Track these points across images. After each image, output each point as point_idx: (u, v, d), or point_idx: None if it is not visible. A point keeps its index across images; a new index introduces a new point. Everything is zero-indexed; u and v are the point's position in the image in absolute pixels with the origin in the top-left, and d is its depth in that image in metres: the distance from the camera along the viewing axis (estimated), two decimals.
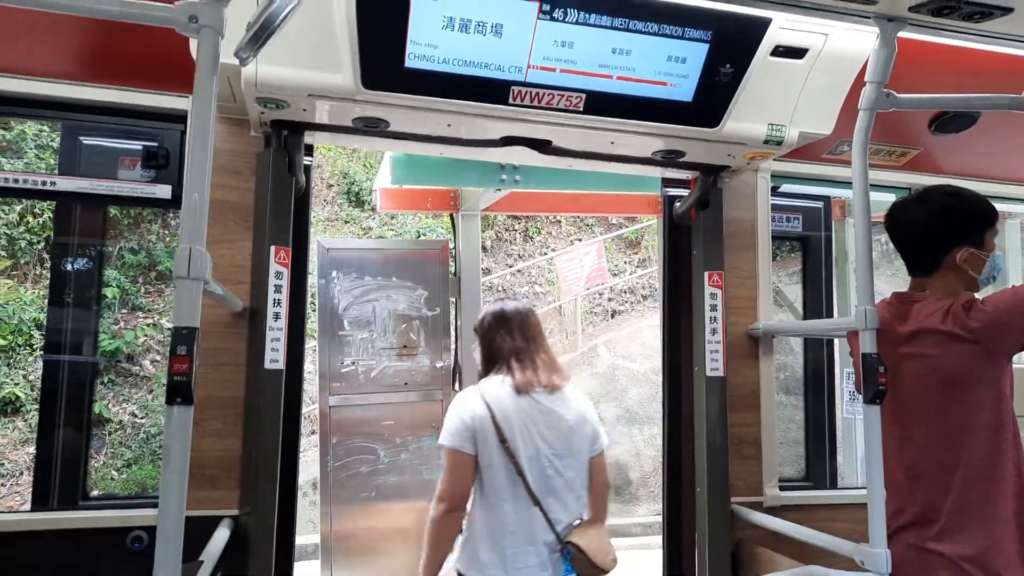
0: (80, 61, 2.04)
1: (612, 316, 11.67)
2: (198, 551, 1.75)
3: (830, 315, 3.08)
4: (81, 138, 2.28)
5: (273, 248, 2.03)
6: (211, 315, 2.07)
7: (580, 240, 12.21)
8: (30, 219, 8.92)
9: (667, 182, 2.66)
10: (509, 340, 2.34)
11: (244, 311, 2.09)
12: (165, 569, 1.14)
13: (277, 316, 2.02)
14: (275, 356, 2.00)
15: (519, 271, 11.83)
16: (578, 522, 2.26)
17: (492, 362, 2.36)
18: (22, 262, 8.94)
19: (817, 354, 3.09)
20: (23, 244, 8.88)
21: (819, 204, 3.06)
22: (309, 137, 2.15)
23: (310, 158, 2.26)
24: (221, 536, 1.87)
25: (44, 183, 2.11)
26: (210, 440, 2.06)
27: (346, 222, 11.62)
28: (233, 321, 2.09)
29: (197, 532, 1.87)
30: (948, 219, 1.90)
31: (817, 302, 3.08)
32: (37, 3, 1.29)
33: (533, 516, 2.19)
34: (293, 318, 2.15)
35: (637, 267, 12.31)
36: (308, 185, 2.27)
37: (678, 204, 2.61)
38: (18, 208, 8.78)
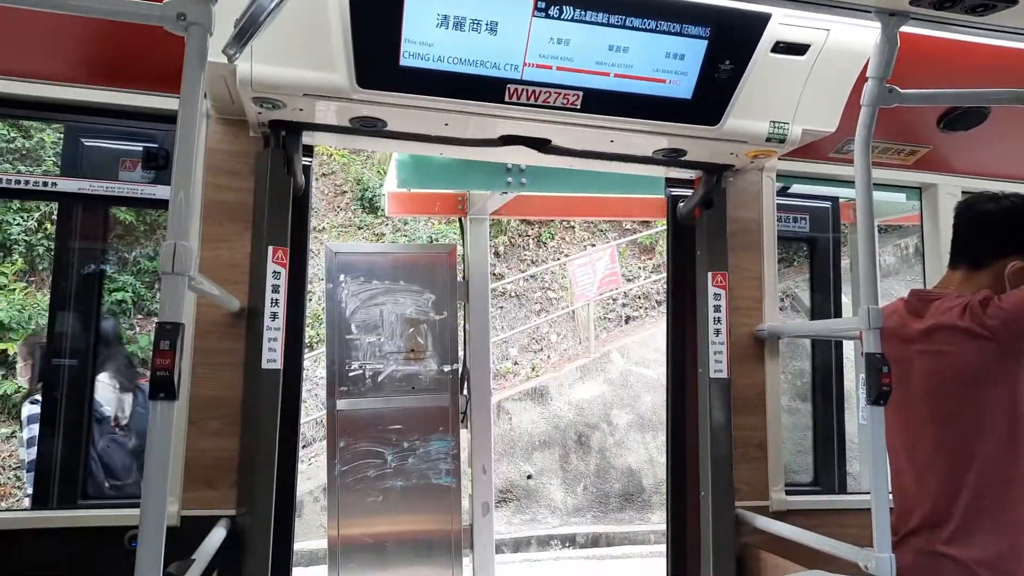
0: (81, 63, 2.06)
1: (626, 322, 11.62)
2: (194, 550, 1.74)
3: (838, 315, 3.04)
4: (83, 140, 2.30)
5: (271, 248, 2.03)
6: (208, 315, 2.08)
7: (594, 245, 12.18)
8: (48, 225, 9.04)
9: (671, 182, 2.63)
10: None
11: (242, 311, 2.09)
12: (148, 565, 1.13)
13: (275, 316, 2.02)
14: (272, 356, 2.00)
15: (532, 276, 11.82)
16: None
17: None
18: (39, 268, 9.06)
19: (825, 357, 3.04)
20: (40, 250, 9.00)
21: (827, 205, 3.02)
22: (308, 138, 2.15)
23: (309, 159, 2.26)
24: (217, 536, 1.86)
25: (45, 184, 2.13)
26: (208, 440, 2.06)
27: (359, 228, 11.67)
28: (231, 321, 2.10)
29: (194, 531, 1.87)
30: (1021, 225, 1.89)
31: (825, 304, 3.03)
32: (22, 1, 1.30)
33: None
34: (292, 319, 2.14)
35: (651, 272, 12.26)
36: (308, 186, 2.27)
37: (682, 204, 2.58)
38: (36, 215, 8.90)
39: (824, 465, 2.96)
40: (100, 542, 2.03)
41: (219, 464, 2.07)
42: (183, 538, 1.81)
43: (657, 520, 8.72)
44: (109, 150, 2.27)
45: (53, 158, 9.17)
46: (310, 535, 7.46)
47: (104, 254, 2.40)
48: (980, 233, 1.93)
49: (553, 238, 12.48)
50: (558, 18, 1.77)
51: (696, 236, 2.55)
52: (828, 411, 3.01)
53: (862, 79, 1.82)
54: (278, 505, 2.04)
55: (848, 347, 3.16)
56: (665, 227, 2.69)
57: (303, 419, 9.18)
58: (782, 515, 2.49)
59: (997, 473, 1.76)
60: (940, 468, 1.82)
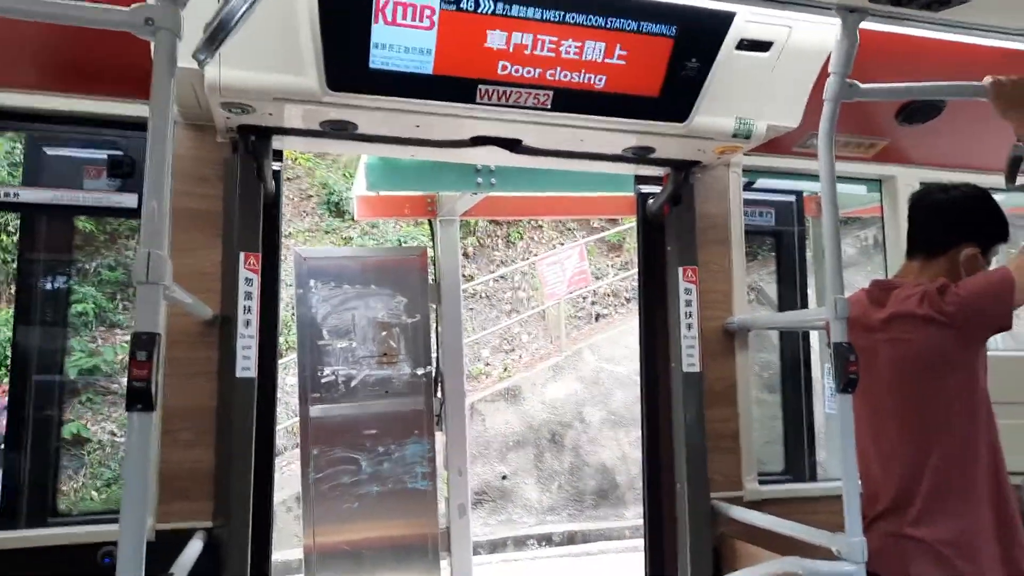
0: (42, 69, 2.01)
1: (596, 319, 11.68)
2: (171, 565, 1.71)
3: (804, 308, 3.10)
4: (45, 149, 2.24)
5: (243, 254, 2.01)
6: (180, 324, 2.04)
7: (562, 244, 12.23)
8: (3, 237, 8.79)
9: (640, 179, 2.66)
10: None
11: (215, 319, 2.06)
12: None
13: (248, 323, 1.99)
14: (247, 364, 1.98)
15: (502, 277, 11.82)
16: None
17: None
18: None
19: (793, 348, 3.10)
20: None
21: (791, 199, 3.08)
22: (277, 142, 2.13)
23: (279, 163, 2.24)
24: (194, 548, 1.84)
25: (7, 194, 2.08)
26: (181, 451, 2.03)
27: (326, 232, 11.55)
28: (204, 330, 2.07)
29: (170, 545, 1.84)
30: (973, 213, 1.95)
31: (791, 296, 3.09)
32: None
33: None
34: (265, 326, 2.12)
35: (620, 270, 12.34)
36: (278, 191, 2.24)
37: (651, 201, 2.61)
38: None
39: (794, 454, 3.01)
40: (72, 560, 1.98)
41: (194, 475, 2.04)
42: (159, 552, 1.77)
43: (632, 515, 8.78)
44: (72, 159, 2.22)
45: (8, 168, 8.91)
46: (283, 545, 7.36)
47: (69, 266, 2.35)
48: (933, 223, 1.99)
49: (522, 238, 12.50)
50: (528, 18, 1.78)
51: (665, 232, 2.58)
52: (797, 401, 3.06)
53: (824, 75, 1.86)
54: (255, 516, 2.01)
55: (814, 337, 3.22)
56: (633, 224, 2.72)
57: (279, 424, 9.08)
58: (756, 504, 2.53)
59: (958, 456, 1.82)
60: (904, 453, 1.87)
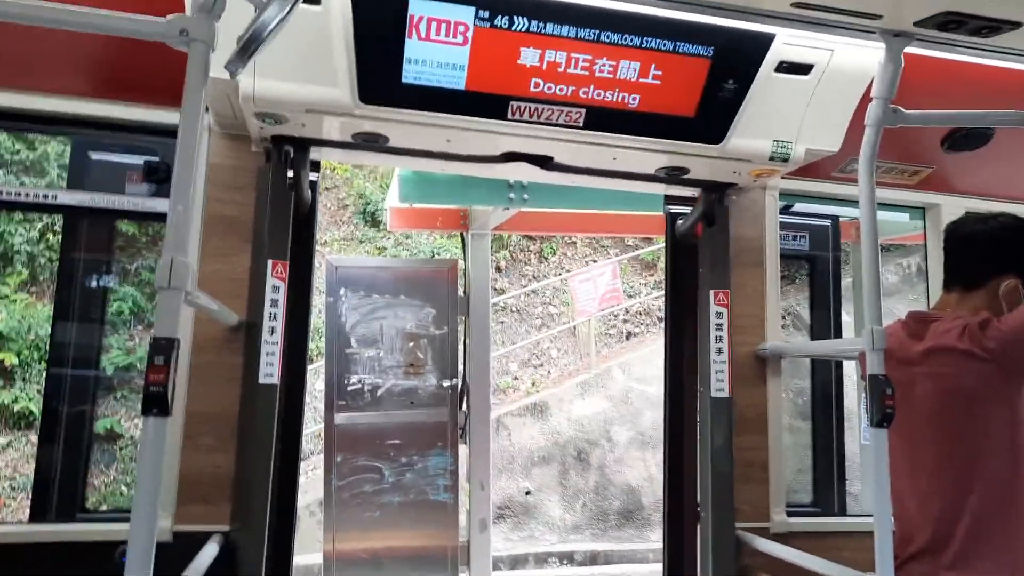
0: (89, 77, 2.06)
1: (627, 338, 11.58)
2: (187, 566, 1.72)
3: (838, 336, 3.02)
4: (91, 153, 2.30)
5: (270, 262, 2.03)
6: (206, 330, 2.06)
7: (595, 261, 12.17)
8: (50, 236, 9.05)
9: (670, 199, 2.63)
10: None
11: (240, 325, 2.07)
12: None
13: (273, 330, 2.01)
14: (270, 371, 1.99)
15: (533, 292, 11.80)
16: None
17: None
18: (41, 279, 9.05)
19: (825, 375, 3.02)
20: (42, 261, 9.00)
21: (826, 223, 3.01)
22: (315, 153, 2.14)
23: (316, 174, 2.25)
24: (209, 552, 1.84)
25: (46, 196, 2.12)
26: (202, 455, 2.04)
27: (361, 242, 11.67)
28: (229, 336, 2.08)
29: (186, 547, 1.85)
30: (1013, 244, 1.88)
31: (824, 323, 3.01)
32: (27, 17, 1.30)
33: None
34: (296, 334, 2.14)
35: (653, 289, 12.22)
36: (314, 201, 2.26)
37: (681, 221, 2.58)
38: (39, 226, 8.91)
39: (823, 486, 2.93)
40: (95, 556, 2.00)
41: (214, 480, 2.05)
42: (175, 554, 1.78)
43: (656, 538, 8.63)
44: (116, 164, 2.27)
45: (58, 170, 9.19)
46: (306, 549, 7.40)
47: (108, 266, 2.40)
48: (971, 254, 1.92)
49: (555, 253, 12.47)
50: (562, 36, 1.77)
51: (699, 254, 2.54)
52: (828, 431, 2.98)
53: (866, 99, 1.81)
54: (277, 521, 2.02)
55: (849, 366, 3.13)
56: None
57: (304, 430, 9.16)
58: (783, 537, 2.46)
59: (999, 497, 1.74)
60: (942, 492, 1.80)
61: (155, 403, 1.13)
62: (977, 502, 1.74)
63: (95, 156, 2.32)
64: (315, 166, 2.22)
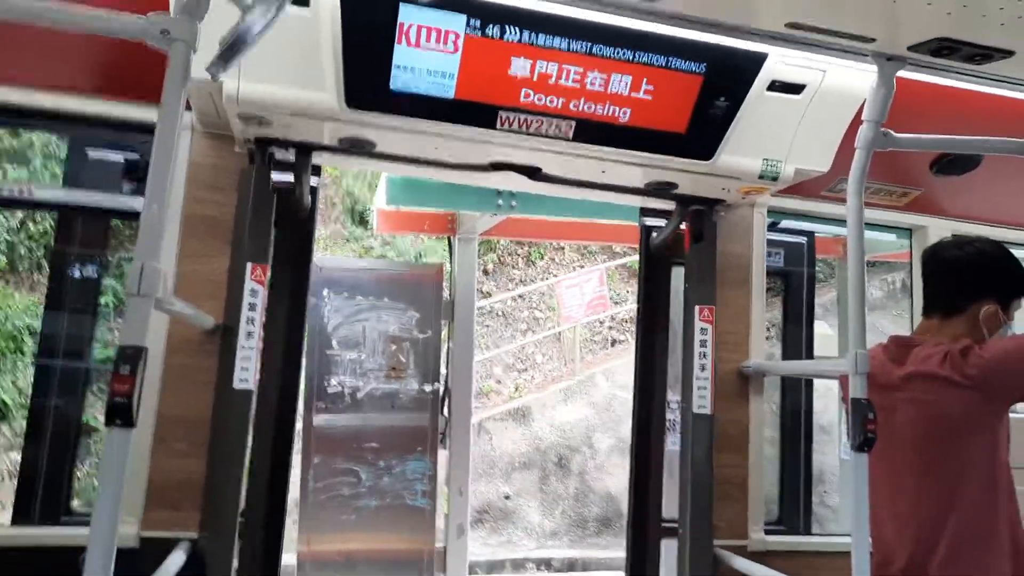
0: (73, 72, 2.02)
1: (612, 345, 11.58)
2: (153, 572, 1.69)
3: (810, 353, 3.01)
4: (88, 151, 2.26)
5: (250, 265, 1.99)
6: (182, 331, 2.02)
7: (583, 267, 12.16)
8: (31, 225, 8.92)
9: (645, 212, 2.59)
10: None
11: (216, 328, 2.03)
12: None
13: (250, 334, 1.97)
14: (244, 375, 1.95)
15: (520, 296, 11.77)
16: None
17: None
18: (20, 269, 8.91)
19: (795, 392, 3.02)
20: (22, 251, 8.86)
21: (802, 240, 3.00)
22: (318, 157, 2.10)
23: (316, 178, 2.21)
24: (176, 559, 1.80)
25: (20, 192, 2.08)
26: (173, 460, 2.00)
27: (348, 241, 11.61)
28: (204, 338, 2.04)
29: (154, 554, 1.82)
30: (991, 269, 1.88)
31: (796, 340, 3.00)
32: (7, 12, 1.26)
33: None
34: (292, 338, 2.14)
35: None
36: (314, 206, 2.22)
37: (655, 234, 2.55)
38: (20, 214, 8.78)
39: (789, 504, 2.92)
40: (59, 562, 1.95)
41: (184, 485, 2.01)
42: (141, 560, 1.75)
43: None
44: (112, 162, 2.23)
45: (41, 159, 9.06)
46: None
47: (101, 262, 2.36)
48: (948, 282, 1.92)
49: (543, 258, 12.46)
50: (554, 48, 1.75)
51: (685, 269, 2.53)
52: (795, 449, 2.96)
53: (857, 120, 1.81)
54: (267, 527, 1.99)
55: (819, 384, 3.12)
56: None
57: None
58: (760, 555, 2.45)
59: (976, 524, 1.74)
60: (920, 518, 1.80)
61: (119, 414, 1.09)
62: (955, 527, 1.74)
63: (93, 154, 2.28)
64: (316, 170, 2.18)
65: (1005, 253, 1.90)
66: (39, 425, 2.22)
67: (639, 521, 2.53)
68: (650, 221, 2.59)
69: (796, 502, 2.89)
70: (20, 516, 2.15)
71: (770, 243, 2.93)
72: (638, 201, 2.49)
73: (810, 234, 3.02)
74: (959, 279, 1.90)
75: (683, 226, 2.47)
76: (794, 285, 3.03)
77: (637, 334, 2.64)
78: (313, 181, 2.18)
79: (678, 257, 2.57)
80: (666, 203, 2.46)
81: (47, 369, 2.27)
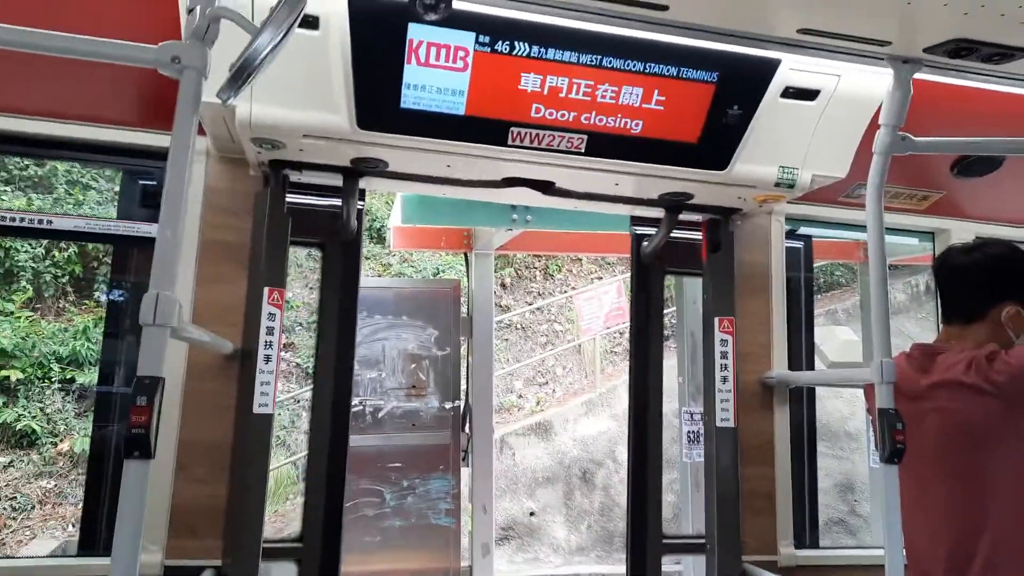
0: (87, 101, 2.04)
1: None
2: None
3: (810, 362, 2.93)
4: (140, 182, 2.30)
5: (267, 289, 1.99)
6: (201, 356, 2.03)
7: (601, 279, 12.12)
8: (56, 253, 9.06)
9: (635, 220, 2.53)
10: None
11: (235, 353, 2.03)
12: None
13: (268, 359, 1.96)
14: (265, 400, 1.94)
15: (539, 309, 11.75)
16: None
17: None
18: (46, 296, 9.05)
19: (796, 404, 2.92)
20: (48, 278, 9.00)
21: (798, 244, 2.92)
22: (313, 177, 2.11)
23: (363, 202, 2.22)
24: None
25: (40, 221, 2.10)
26: (195, 487, 1.99)
27: (367, 258, 11.67)
28: (224, 363, 2.04)
29: None
30: (1005, 271, 1.84)
31: (797, 347, 2.89)
32: (18, 44, 1.27)
33: None
34: (342, 360, 2.14)
35: None
36: (359, 230, 2.22)
37: (646, 243, 2.49)
38: (45, 242, 8.92)
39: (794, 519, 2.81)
40: None
41: (206, 512, 2.00)
42: None
43: (666, 561, 8.52)
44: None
45: (65, 186, 9.23)
46: None
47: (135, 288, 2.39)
48: (964, 289, 1.88)
49: (560, 271, 12.44)
50: (563, 61, 1.74)
51: (702, 280, 2.50)
52: (800, 462, 2.82)
53: (874, 124, 1.78)
54: (324, 546, 2.02)
55: (820, 392, 3.04)
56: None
57: (303, 453, 9.06)
58: (791, 571, 2.40)
59: (1011, 538, 1.69)
60: (953, 531, 1.75)
61: (137, 445, 1.09)
62: (988, 544, 1.69)
63: (143, 184, 2.32)
64: (361, 194, 2.18)
65: (1017, 252, 1.85)
66: (99, 453, 2.23)
67: (638, 537, 2.43)
68: (640, 230, 2.54)
69: (801, 515, 2.76)
70: (85, 547, 2.15)
71: None
72: (648, 212, 2.45)
73: (807, 238, 2.96)
74: (974, 285, 1.85)
75: (675, 233, 2.41)
76: (792, 291, 2.95)
77: (631, 343, 2.56)
78: (360, 204, 2.19)
79: (671, 266, 2.52)
80: (657, 211, 2.40)
81: (107, 399, 2.29)
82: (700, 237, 2.48)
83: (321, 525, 2.08)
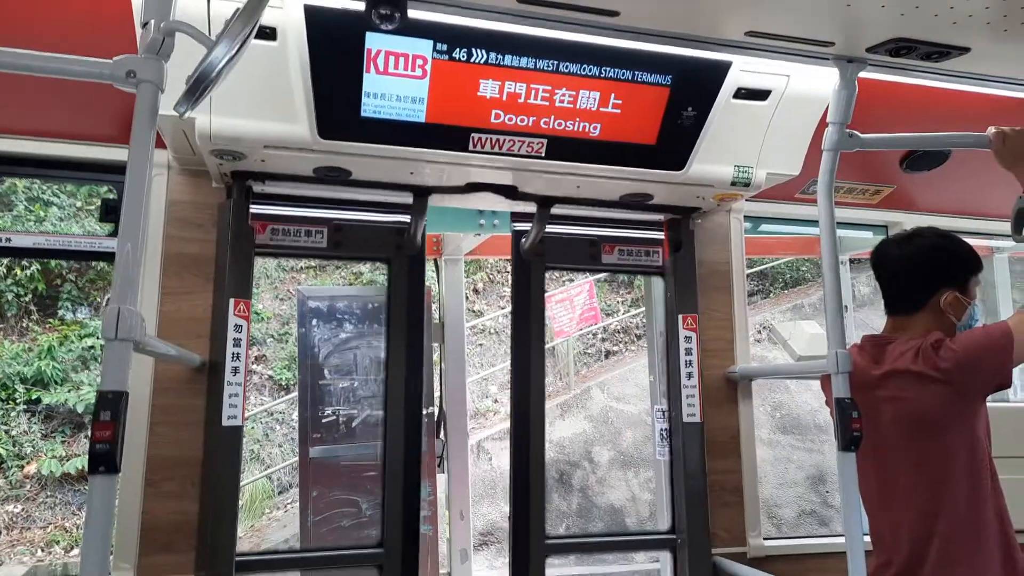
0: (43, 116, 2.02)
1: (606, 357, 11.58)
2: None
3: None
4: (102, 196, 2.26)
5: (232, 300, 1.99)
6: (167, 371, 2.01)
7: (572, 280, 12.18)
8: (17, 271, 8.87)
9: (515, 216, 2.51)
10: None
11: (203, 366, 2.02)
12: None
13: (236, 371, 1.96)
14: (233, 412, 1.94)
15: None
16: None
17: None
18: (8, 315, 8.85)
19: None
20: (9, 297, 8.80)
21: None
22: (276, 187, 2.11)
23: (423, 220, 2.25)
24: None
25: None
26: (165, 502, 1.98)
27: (337, 267, 11.59)
28: (193, 376, 2.03)
29: None
30: (938, 259, 1.88)
31: None
32: None
33: None
34: (412, 371, 2.26)
35: (630, 307, 12.27)
36: (423, 241, 2.28)
37: (524, 239, 2.47)
38: (5, 261, 8.73)
39: None
40: None
41: (178, 527, 1.98)
42: None
43: (642, 559, 8.58)
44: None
45: (25, 203, 9.03)
46: None
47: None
48: (900, 281, 1.92)
49: None
50: (521, 67, 1.77)
51: (665, 279, 2.54)
52: None
53: (824, 122, 1.83)
54: (404, 549, 2.10)
55: (793, 385, 3.11)
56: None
57: (279, 464, 8.96)
58: (760, 561, 2.44)
59: (964, 518, 1.74)
60: (911, 516, 1.79)
61: (102, 461, 1.09)
62: (944, 525, 1.74)
63: (106, 199, 2.25)
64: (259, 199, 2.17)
65: (945, 239, 1.89)
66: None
67: (520, 537, 2.34)
68: (520, 226, 2.50)
69: None
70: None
71: None
72: (611, 213, 2.46)
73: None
74: (910, 277, 1.89)
75: (549, 228, 2.40)
76: None
77: (511, 345, 2.50)
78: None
79: (550, 262, 2.50)
80: (534, 206, 2.34)
81: None
82: (583, 233, 2.50)
83: (400, 531, 2.15)
